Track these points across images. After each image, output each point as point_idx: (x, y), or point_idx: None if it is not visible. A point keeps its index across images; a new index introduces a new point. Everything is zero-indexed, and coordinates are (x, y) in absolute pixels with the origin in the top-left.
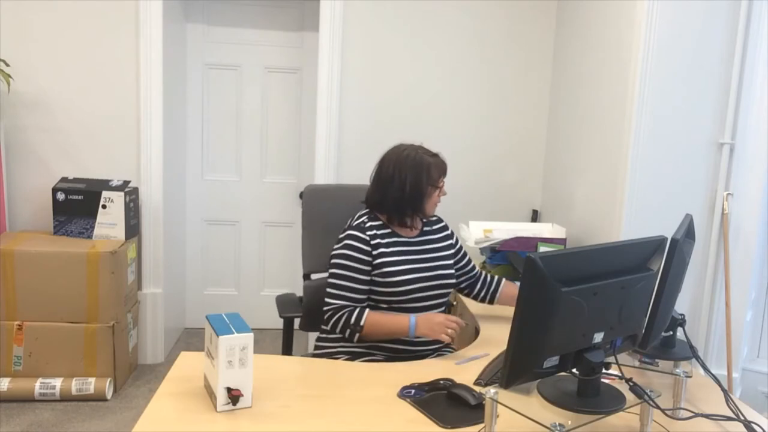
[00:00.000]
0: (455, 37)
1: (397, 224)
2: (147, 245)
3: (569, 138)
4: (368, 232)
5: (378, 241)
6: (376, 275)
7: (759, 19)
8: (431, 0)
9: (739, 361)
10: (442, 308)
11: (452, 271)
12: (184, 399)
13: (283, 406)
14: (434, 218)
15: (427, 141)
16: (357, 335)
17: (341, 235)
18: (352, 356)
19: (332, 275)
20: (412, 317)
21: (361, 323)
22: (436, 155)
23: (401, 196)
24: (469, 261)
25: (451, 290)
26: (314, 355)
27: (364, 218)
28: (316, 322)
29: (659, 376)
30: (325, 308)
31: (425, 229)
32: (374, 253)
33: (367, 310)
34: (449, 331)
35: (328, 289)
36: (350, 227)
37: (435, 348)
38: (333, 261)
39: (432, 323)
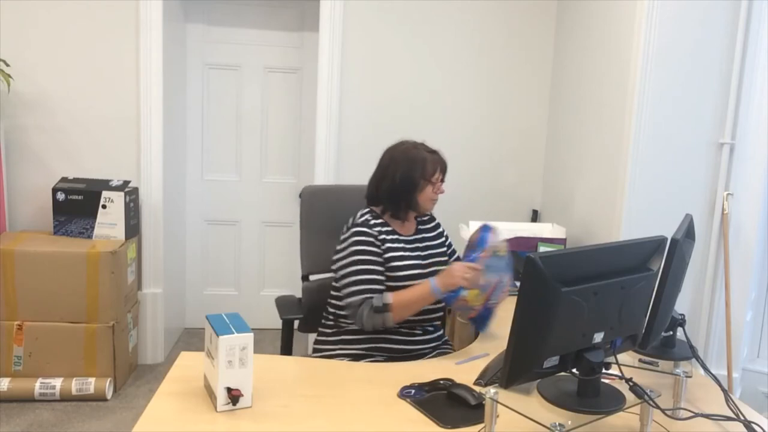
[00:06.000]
0: (455, 37)
1: (393, 218)
2: (147, 245)
3: (569, 138)
4: (375, 229)
5: (384, 237)
6: (386, 270)
7: (759, 19)
8: (431, 0)
9: (739, 361)
10: (436, 304)
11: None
12: (184, 399)
13: (283, 406)
14: (427, 217)
15: (427, 141)
16: (389, 315)
17: (345, 234)
18: (353, 358)
19: (349, 273)
20: (431, 280)
21: (389, 301)
22: (434, 152)
23: (393, 187)
24: None
25: None
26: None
27: (367, 216)
28: (315, 323)
29: (659, 376)
30: (348, 305)
31: (420, 227)
32: (383, 247)
33: (386, 292)
34: (467, 275)
35: (348, 289)
36: (354, 225)
37: (434, 346)
38: (347, 260)
39: (450, 277)
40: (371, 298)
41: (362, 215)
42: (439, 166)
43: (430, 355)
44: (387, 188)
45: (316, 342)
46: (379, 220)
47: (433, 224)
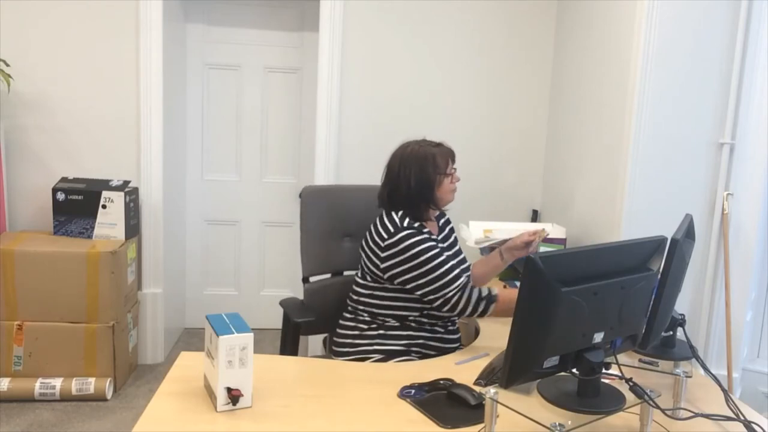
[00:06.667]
0: (455, 36)
1: (418, 220)
2: (147, 245)
3: (569, 138)
4: (423, 230)
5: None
6: None
7: (759, 19)
8: (431, 0)
9: (739, 361)
10: None
11: (469, 261)
12: (184, 399)
13: (283, 406)
14: (438, 213)
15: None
16: (493, 306)
17: (391, 239)
18: (387, 355)
19: (433, 268)
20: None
21: (494, 293)
22: (440, 144)
23: (410, 190)
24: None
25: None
26: (338, 354)
27: (407, 219)
28: (317, 325)
29: (659, 376)
30: (450, 294)
31: (441, 225)
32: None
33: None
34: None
35: (440, 281)
36: (403, 228)
37: (457, 346)
38: (417, 260)
39: (517, 251)
40: (471, 285)
41: (401, 219)
42: (449, 156)
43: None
44: (404, 193)
45: (345, 337)
46: (417, 223)
47: (445, 219)
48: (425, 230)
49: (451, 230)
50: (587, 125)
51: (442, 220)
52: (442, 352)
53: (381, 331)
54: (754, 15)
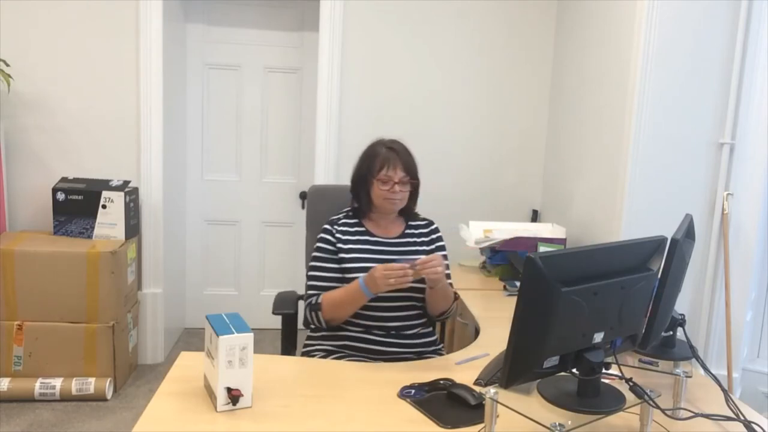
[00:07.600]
0: (455, 36)
1: (366, 219)
2: (147, 245)
3: (569, 138)
4: (336, 227)
5: (346, 237)
6: (342, 270)
7: (759, 19)
8: (431, 0)
9: (739, 361)
10: (418, 311)
11: None
12: (184, 399)
13: (283, 406)
14: (424, 222)
15: (426, 140)
16: (320, 314)
17: None
18: (327, 353)
19: (309, 267)
20: (360, 280)
21: (318, 301)
22: (391, 148)
23: (351, 184)
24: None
25: (423, 295)
26: (302, 354)
27: (341, 214)
28: None
29: (659, 376)
30: (305, 300)
31: (407, 231)
32: (338, 246)
33: (324, 292)
34: (391, 281)
35: (307, 282)
36: (328, 221)
37: (418, 351)
38: (312, 255)
39: (374, 279)
40: (313, 296)
41: (339, 212)
42: (391, 163)
43: (415, 360)
44: (351, 187)
45: (306, 338)
46: (353, 220)
47: (428, 230)
48: (343, 228)
49: (432, 241)
50: (587, 125)
51: (425, 230)
52: (388, 357)
53: (323, 332)
54: (754, 15)
